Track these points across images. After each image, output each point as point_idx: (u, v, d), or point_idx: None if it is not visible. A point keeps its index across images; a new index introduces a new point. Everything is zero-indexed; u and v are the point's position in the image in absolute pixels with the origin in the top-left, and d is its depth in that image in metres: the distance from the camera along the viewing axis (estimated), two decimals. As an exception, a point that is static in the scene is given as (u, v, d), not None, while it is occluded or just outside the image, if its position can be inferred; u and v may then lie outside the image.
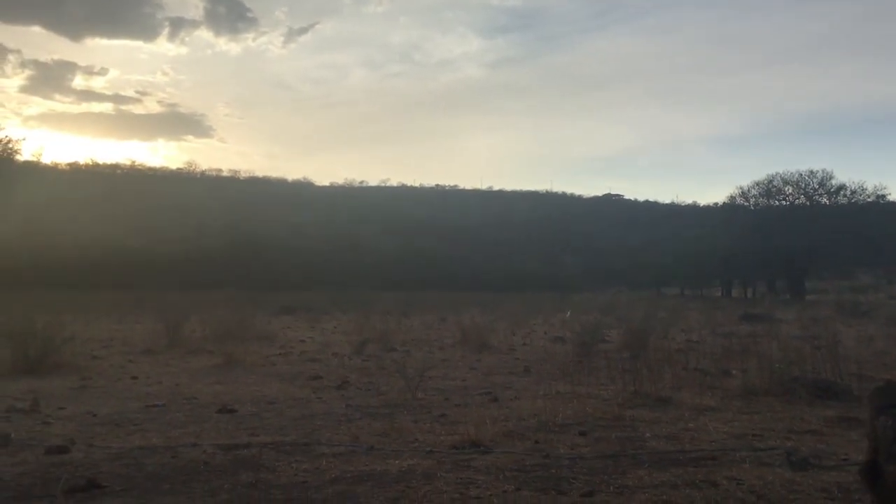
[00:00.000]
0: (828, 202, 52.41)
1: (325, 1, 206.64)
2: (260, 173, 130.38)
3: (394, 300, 29.46)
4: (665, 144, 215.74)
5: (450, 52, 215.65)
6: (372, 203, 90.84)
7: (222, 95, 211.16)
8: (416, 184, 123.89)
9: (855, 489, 4.09)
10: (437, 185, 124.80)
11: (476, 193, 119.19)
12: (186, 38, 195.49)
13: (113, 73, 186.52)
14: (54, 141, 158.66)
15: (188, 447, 5.30)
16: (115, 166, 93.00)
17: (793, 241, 47.31)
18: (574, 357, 11.43)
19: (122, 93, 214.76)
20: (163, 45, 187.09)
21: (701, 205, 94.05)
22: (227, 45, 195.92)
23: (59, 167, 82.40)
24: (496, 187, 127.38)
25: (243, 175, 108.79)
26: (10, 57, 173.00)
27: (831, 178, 51.88)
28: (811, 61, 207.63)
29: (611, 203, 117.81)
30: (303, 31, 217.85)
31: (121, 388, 8.39)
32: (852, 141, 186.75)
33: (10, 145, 47.37)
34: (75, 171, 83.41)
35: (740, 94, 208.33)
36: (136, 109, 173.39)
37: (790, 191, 53.87)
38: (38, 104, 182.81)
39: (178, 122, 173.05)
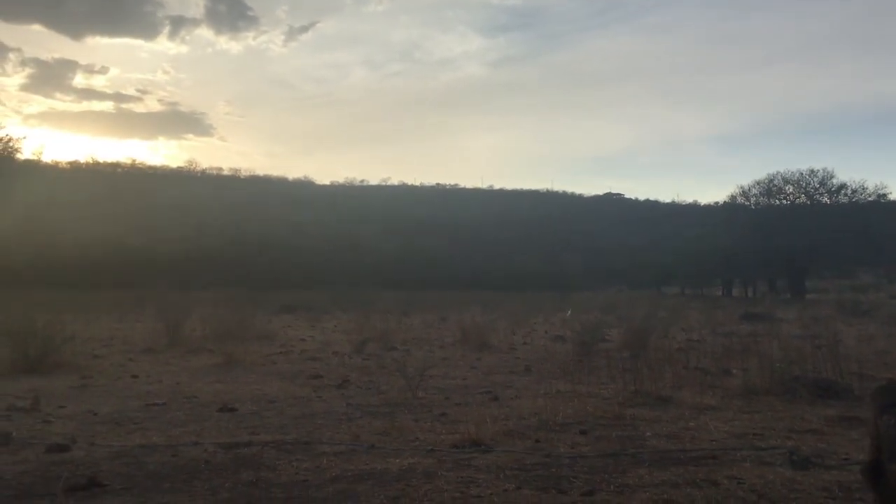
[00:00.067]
0: (829, 201, 52.37)
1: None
2: (260, 172, 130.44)
3: (394, 299, 29.46)
4: (666, 143, 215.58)
5: (450, 50, 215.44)
6: (372, 202, 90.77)
7: (223, 94, 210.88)
8: (417, 183, 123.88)
9: (856, 488, 4.09)
10: (438, 184, 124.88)
11: (477, 192, 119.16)
12: (187, 37, 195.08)
13: (113, 72, 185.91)
14: (55, 139, 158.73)
15: (189, 446, 5.30)
16: (116, 165, 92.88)
17: (793, 240, 47.27)
18: (574, 356, 11.43)
19: (123, 91, 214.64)
20: (163, 44, 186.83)
21: (702, 204, 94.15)
22: (227, 44, 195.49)
23: (60, 166, 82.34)
24: (497, 186, 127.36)
25: (244, 174, 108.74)
26: (11, 55, 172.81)
27: (832, 177, 51.90)
28: (812, 60, 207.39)
29: (611, 202, 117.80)
30: (303, 29, 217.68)
31: (121, 387, 8.40)
32: (853, 140, 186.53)
33: (11, 144, 47.44)
34: (76, 169, 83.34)
35: (741, 92, 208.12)
36: (137, 108, 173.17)
37: (791, 190, 53.84)
38: (38, 103, 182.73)
39: (178, 121, 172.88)
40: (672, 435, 5.68)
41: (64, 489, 4.15)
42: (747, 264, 50.70)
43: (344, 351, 12.32)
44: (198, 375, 9.45)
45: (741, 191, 56.46)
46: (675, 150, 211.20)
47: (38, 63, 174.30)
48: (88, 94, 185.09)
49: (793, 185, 53.42)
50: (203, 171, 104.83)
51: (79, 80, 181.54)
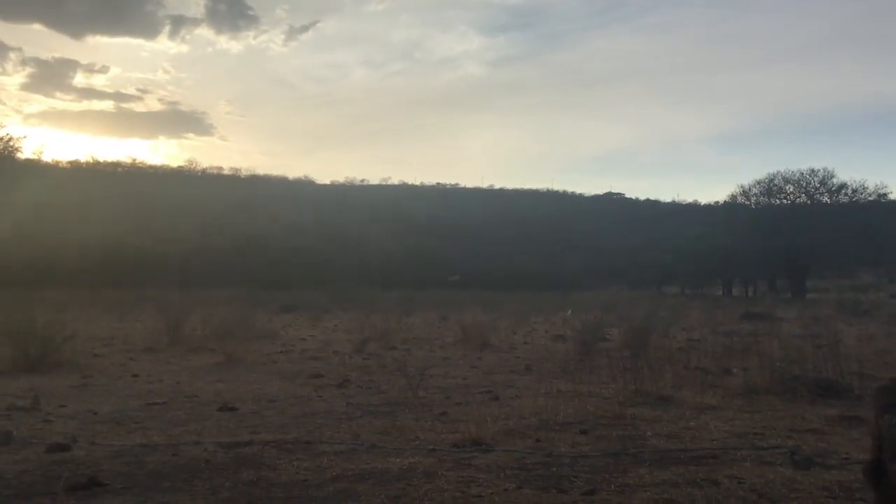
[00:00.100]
0: (829, 201, 52.34)
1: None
2: (261, 171, 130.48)
3: (395, 298, 29.47)
4: (666, 143, 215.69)
5: (451, 50, 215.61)
6: (373, 202, 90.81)
7: (223, 93, 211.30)
8: (417, 182, 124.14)
9: (857, 488, 4.08)
10: (438, 184, 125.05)
11: (477, 192, 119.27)
12: (187, 36, 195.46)
13: (114, 71, 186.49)
14: (55, 139, 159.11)
15: (189, 445, 5.30)
16: (116, 164, 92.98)
17: (794, 239, 47.27)
18: (575, 355, 11.42)
19: (123, 91, 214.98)
20: (164, 43, 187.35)
21: (702, 203, 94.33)
22: (227, 44, 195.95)
23: (60, 165, 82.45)
24: (497, 186, 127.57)
25: (244, 173, 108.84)
26: (11, 55, 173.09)
27: (832, 176, 51.87)
28: (812, 60, 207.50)
29: (612, 201, 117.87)
30: (304, 29, 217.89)
31: (122, 386, 8.39)
32: (854, 139, 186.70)
33: (11, 143, 47.46)
34: (76, 169, 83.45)
35: (741, 92, 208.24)
36: (137, 107, 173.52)
37: (791, 189, 53.81)
38: (39, 102, 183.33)
39: (178, 120, 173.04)
40: (673, 434, 5.67)
41: (64, 488, 4.14)
42: (748, 264, 50.65)
43: (344, 350, 12.32)
44: (198, 375, 9.45)
45: (741, 190, 56.49)
46: (675, 149, 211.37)
47: (38, 62, 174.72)
48: (89, 93, 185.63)
49: (793, 184, 53.42)
50: (203, 171, 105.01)
51: (79, 79, 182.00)
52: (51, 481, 4.33)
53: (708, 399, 7.18)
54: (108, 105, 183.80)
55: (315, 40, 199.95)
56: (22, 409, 6.71)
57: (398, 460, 4.85)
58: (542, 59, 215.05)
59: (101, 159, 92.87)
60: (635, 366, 8.27)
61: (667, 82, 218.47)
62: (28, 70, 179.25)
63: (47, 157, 71.82)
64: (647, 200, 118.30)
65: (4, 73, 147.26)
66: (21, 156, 50.32)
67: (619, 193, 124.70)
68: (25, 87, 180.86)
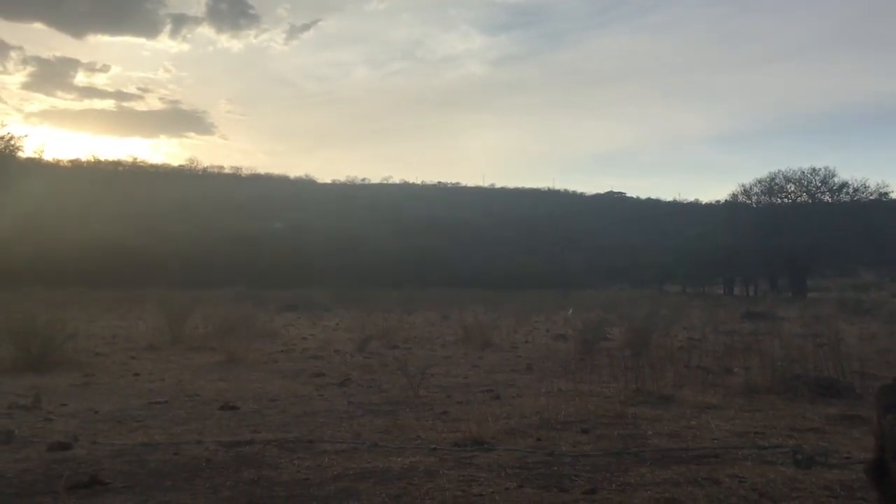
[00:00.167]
0: (830, 200, 52.26)
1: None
2: (262, 170, 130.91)
3: (396, 297, 29.47)
4: (667, 142, 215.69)
5: (452, 49, 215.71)
6: (374, 201, 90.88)
7: (224, 92, 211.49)
8: (419, 181, 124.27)
9: (858, 487, 4.08)
10: (440, 183, 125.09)
11: (478, 191, 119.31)
12: (188, 35, 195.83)
13: (115, 70, 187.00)
14: (56, 137, 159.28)
15: (191, 444, 5.30)
16: (117, 163, 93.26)
17: (795, 238, 47.20)
18: (576, 355, 11.43)
19: (124, 90, 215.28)
20: (165, 42, 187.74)
21: (703, 202, 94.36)
22: (228, 42, 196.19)
23: (61, 164, 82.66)
24: (498, 185, 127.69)
25: (245, 172, 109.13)
26: (13, 54, 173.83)
27: (834, 175, 51.77)
28: (813, 59, 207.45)
29: (613, 201, 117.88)
30: (305, 28, 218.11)
31: (123, 385, 8.40)
32: (855, 139, 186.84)
33: (12, 142, 47.34)
34: (77, 167, 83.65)
35: (742, 91, 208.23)
36: (138, 106, 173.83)
37: (792, 188, 53.70)
38: (39, 101, 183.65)
39: (179, 119, 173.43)
40: (674, 433, 5.67)
41: (66, 487, 4.15)
42: (749, 263, 50.60)
43: (346, 349, 12.32)
44: (200, 373, 9.46)
45: (742, 189, 56.38)
46: (676, 148, 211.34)
47: (39, 61, 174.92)
48: (90, 92, 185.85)
49: (794, 183, 53.34)
50: (204, 170, 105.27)
51: (80, 78, 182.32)
52: (52, 480, 4.33)
53: (709, 398, 7.17)
54: (109, 104, 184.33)
55: (316, 39, 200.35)
56: (23, 408, 6.72)
57: (399, 459, 4.85)
58: (543, 58, 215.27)
59: (102, 158, 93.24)
60: (636, 365, 8.26)
61: (668, 82, 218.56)
62: (29, 69, 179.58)
63: (48, 157, 71.94)
64: (648, 200, 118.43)
65: (5, 71, 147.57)
66: (22, 155, 50.17)
67: (619, 193, 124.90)
68: (26, 86, 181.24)
